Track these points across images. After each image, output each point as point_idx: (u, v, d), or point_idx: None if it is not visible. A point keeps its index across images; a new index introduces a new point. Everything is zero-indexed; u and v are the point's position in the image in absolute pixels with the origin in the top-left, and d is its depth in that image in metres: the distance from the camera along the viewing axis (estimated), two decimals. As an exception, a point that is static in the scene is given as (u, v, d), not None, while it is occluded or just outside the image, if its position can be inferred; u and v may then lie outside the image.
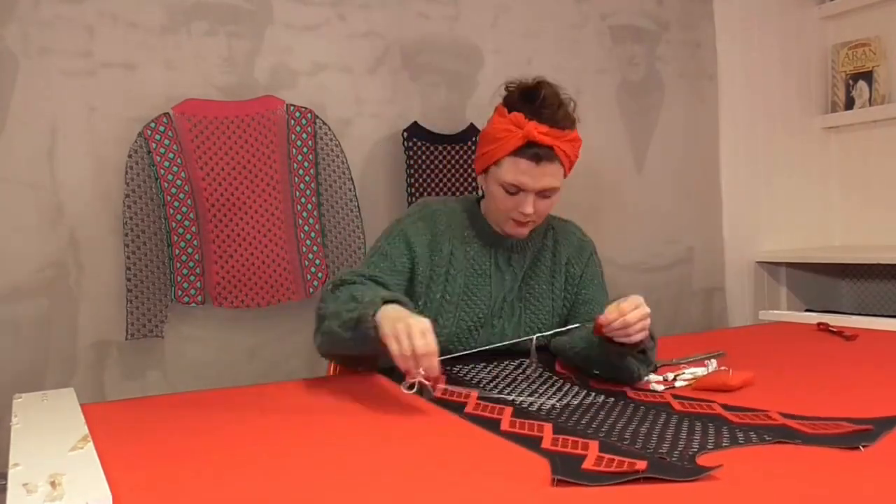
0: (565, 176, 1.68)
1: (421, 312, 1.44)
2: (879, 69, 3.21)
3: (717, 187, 3.28)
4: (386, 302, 1.42)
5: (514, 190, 1.63)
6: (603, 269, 1.90)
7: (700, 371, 1.54)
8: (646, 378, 1.52)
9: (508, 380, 1.54)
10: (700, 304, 3.26)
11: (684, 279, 3.23)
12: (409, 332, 1.31)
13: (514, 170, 1.61)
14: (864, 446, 1.04)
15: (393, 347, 1.33)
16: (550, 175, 1.63)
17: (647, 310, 1.42)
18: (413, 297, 1.68)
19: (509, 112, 1.62)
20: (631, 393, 1.43)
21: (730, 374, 1.47)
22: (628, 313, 1.40)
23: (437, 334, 1.34)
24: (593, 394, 1.43)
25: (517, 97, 1.64)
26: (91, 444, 1.14)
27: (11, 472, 1.02)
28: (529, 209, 1.64)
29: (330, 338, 1.52)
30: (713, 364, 1.59)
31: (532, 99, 1.61)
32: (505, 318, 1.75)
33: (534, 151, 1.59)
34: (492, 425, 1.22)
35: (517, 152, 1.60)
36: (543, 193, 1.65)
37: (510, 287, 1.76)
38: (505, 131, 1.61)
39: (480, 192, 1.82)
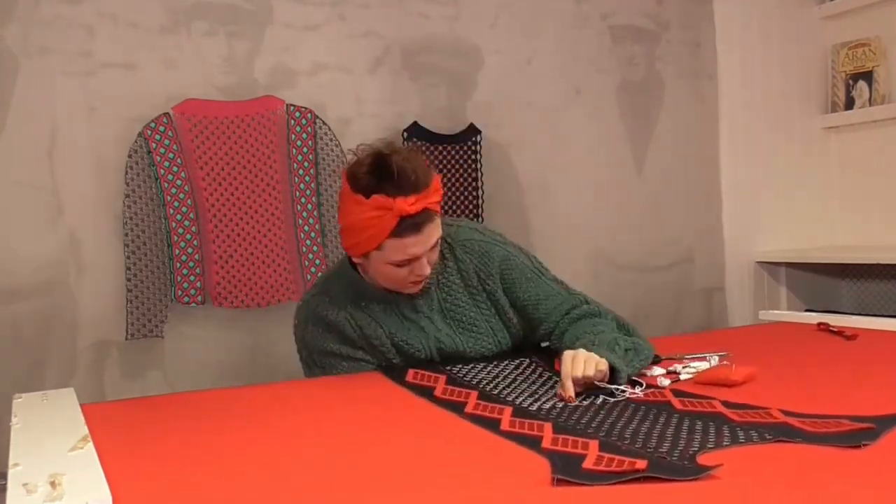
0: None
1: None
2: (879, 69, 3.21)
3: (717, 187, 3.27)
4: None
5: (406, 262, 1.58)
6: (526, 253, 1.78)
7: (703, 365, 1.55)
8: (650, 373, 1.52)
9: (508, 380, 1.54)
10: (700, 304, 3.26)
11: (684, 279, 3.22)
12: None
13: (401, 248, 1.55)
14: (865, 444, 1.04)
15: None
16: (434, 231, 1.59)
17: (586, 366, 1.37)
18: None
19: (367, 197, 1.52)
20: (631, 392, 1.43)
21: (732, 368, 1.47)
22: (567, 385, 1.36)
23: None
24: (593, 393, 1.42)
25: (367, 178, 1.54)
26: (91, 444, 1.13)
27: (11, 472, 1.02)
28: (426, 270, 1.60)
29: None
30: (714, 359, 1.59)
31: (386, 175, 1.52)
32: (451, 351, 1.71)
33: (411, 223, 1.53)
34: (492, 425, 1.22)
35: (396, 232, 1.53)
36: (432, 248, 1.60)
37: (437, 329, 1.71)
38: (373, 219, 1.52)
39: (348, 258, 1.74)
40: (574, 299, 1.70)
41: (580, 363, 1.37)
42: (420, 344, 1.70)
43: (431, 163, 2.69)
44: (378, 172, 1.54)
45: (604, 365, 1.38)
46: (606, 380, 1.39)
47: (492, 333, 1.73)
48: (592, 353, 1.40)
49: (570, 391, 1.34)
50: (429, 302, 1.70)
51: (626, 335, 1.60)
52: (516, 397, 1.40)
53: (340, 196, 1.64)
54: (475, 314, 1.72)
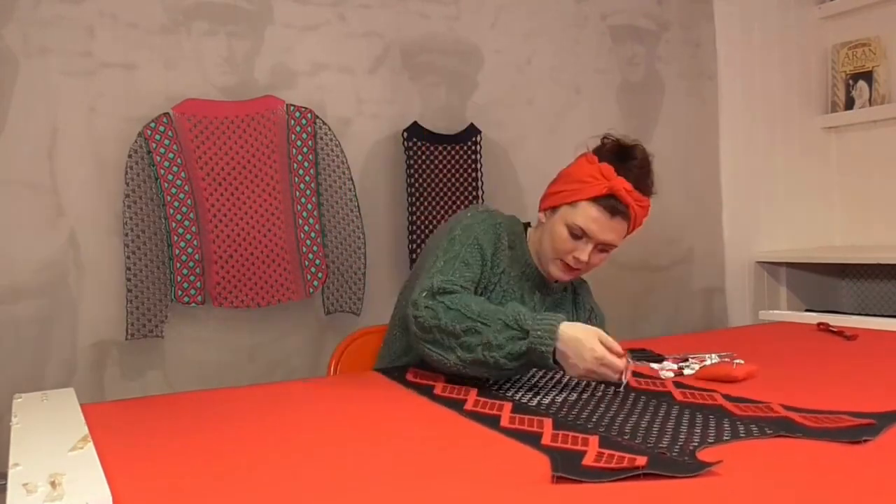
0: (624, 237, 1.72)
1: None
2: (879, 69, 3.21)
3: (717, 187, 3.27)
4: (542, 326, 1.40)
5: (580, 234, 1.66)
6: (602, 316, 1.94)
7: (707, 362, 1.56)
8: (657, 367, 1.56)
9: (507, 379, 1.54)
10: (700, 304, 3.26)
11: (684, 279, 3.22)
12: (600, 357, 1.36)
13: (587, 215, 1.64)
14: (865, 440, 1.05)
15: (593, 376, 1.39)
16: (617, 231, 1.67)
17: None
18: None
19: (600, 160, 1.66)
20: (633, 383, 1.43)
21: (734, 365, 1.48)
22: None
23: None
24: (593, 384, 1.43)
25: (611, 150, 1.68)
26: (91, 444, 1.13)
27: (11, 472, 1.02)
28: (585, 257, 1.67)
29: (482, 365, 1.43)
30: (715, 358, 1.60)
31: (626, 157, 1.67)
32: None
33: (612, 203, 1.63)
34: (491, 422, 1.22)
35: (596, 199, 1.63)
36: (603, 247, 1.68)
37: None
38: (591, 177, 1.64)
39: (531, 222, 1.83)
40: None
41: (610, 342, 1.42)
42: None
43: (431, 162, 2.70)
44: (623, 151, 1.69)
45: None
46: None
47: None
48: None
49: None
50: (542, 300, 1.79)
51: None
52: (515, 392, 1.40)
53: (578, 157, 1.73)
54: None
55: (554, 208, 1.70)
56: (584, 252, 1.66)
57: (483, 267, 1.67)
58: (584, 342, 1.37)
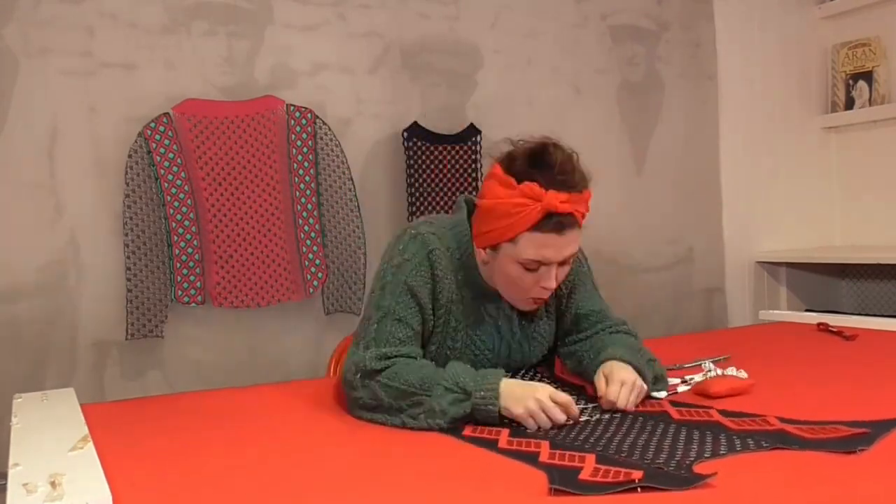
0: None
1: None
2: (879, 69, 3.21)
3: (717, 187, 3.27)
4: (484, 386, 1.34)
5: (535, 266, 1.46)
6: (589, 262, 1.74)
7: (698, 377, 1.54)
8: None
9: None
10: (700, 304, 3.26)
11: (684, 279, 3.22)
12: (544, 407, 1.30)
13: (536, 245, 1.44)
14: (860, 450, 1.04)
15: (532, 426, 1.30)
16: (573, 242, 1.48)
17: (638, 390, 1.38)
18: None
19: (518, 182, 1.43)
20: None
21: (712, 379, 1.47)
22: (617, 400, 1.36)
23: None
24: (590, 407, 1.40)
25: (525, 162, 1.45)
26: (91, 445, 1.14)
27: (11, 472, 1.02)
28: (553, 283, 1.49)
29: (429, 427, 1.35)
30: (709, 365, 1.59)
31: (544, 165, 1.44)
32: (513, 358, 1.65)
33: (556, 221, 1.42)
34: (489, 444, 1.20)
35: (537, 227, 1.42)
36: (564, 261, 1.49)
37: (511, 333, 1.63)
38: (518, 205, 1.42)
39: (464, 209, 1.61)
40: (616, 318, 1.67)
41: (630, 392, 1.37)
42: (493, 344, 1.62)
43: (431, 162, 2.70)
44: (536, 160, 1.45)
45: (641, 386, 1.41)
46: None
47: (548, 340, 1.69)
48: (635, 377, 1.40)
49: (608, 398, 1.37)
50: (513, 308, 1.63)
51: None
52: (511, 421, 1.34)
53: (488, 177, 1.51)
54: (544, 322, 1.66)
55: (493, 246, 1.50)
56: (549, 279, 1.48)
57: (422, 312, 1.51)
58: (525, 396, 1.32)
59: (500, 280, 1.53)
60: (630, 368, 1.41)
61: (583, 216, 1.48)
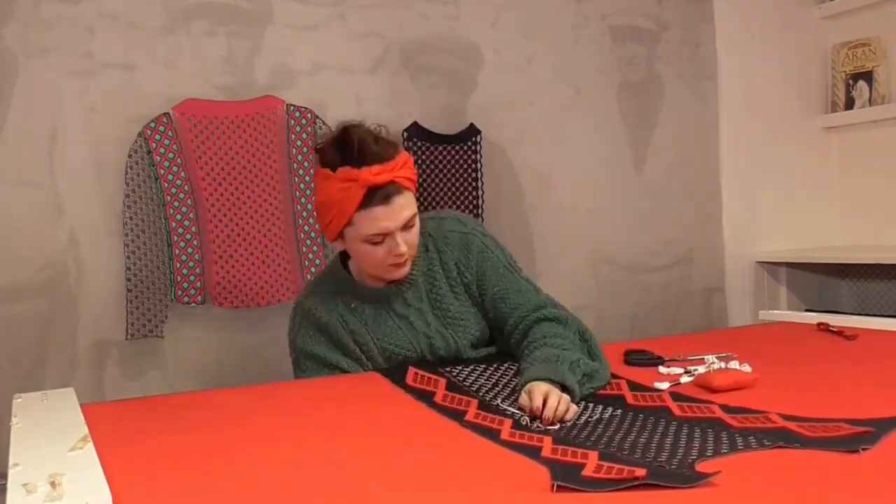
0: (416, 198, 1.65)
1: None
2: (879, 69, 3.21)
3: (717, 187, 3.27)
4: None
5: (380, 238, 1.59)
6: (503, 248, 1.78)
7: (701, 369, 1.55)
8: (664, 372, 1.55)
9: (508, 389, 1.50)
10: (700, 304, 3.26)
11: (684, 279, 3.22)
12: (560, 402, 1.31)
13: (370, 220, 1.57)
14: (863, 449, 1.04)
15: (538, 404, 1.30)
16: (406, 206, 1.60)
17: (561, 407, 1.29)
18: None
19: (334, 170, 1.57)
20: (630, 399, 1.41)
21: (716, 372, 1.47)
22: (541, 412, 1.29)
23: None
24: (591, 405, 1.39)
25: (333, 153, 1.58)
26: (91, 444, 1.13)
27: (11, 472, 1.02)
28: (402, 248, 1.60)
29: None
30: (712, 359, 1.59)
31: (349, 147, 1.56)
32: (437, 347, 1.72)
33: (380, 194, 1.56)
34: (492, 434, 1.20)
35: (364, 204, 1.56)
36: (406, 225, 1.61)
37: (427, 325, 1.72)
38: (341, 191, 1.56)
39: (338, 252, 1.77)
40: (541, 299, 1.69)
41: (555, 406, 1.30)
42: (410, 344, 1.71)
43: (431, 162, 2.70)
44: (341, 145, 1.58)
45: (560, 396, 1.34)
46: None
47: (475, 324, 1.74)
48: (558, 393, 1.33)
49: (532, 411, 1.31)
50: (417, 294, 1.72)
51: (587, 349, 1.57)
52: (516, 412, 1.35)
53: (313, 176, 1.66)
54: (458, 306, 1.73)
55: (340, 236, 1.64)
56: (397, 245, 1.59)
57: (336, 354, 1.71)
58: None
59: (360, 262, 1.67)
60: (547, 386, 1.35)
61: (408, 179, 1.59)
